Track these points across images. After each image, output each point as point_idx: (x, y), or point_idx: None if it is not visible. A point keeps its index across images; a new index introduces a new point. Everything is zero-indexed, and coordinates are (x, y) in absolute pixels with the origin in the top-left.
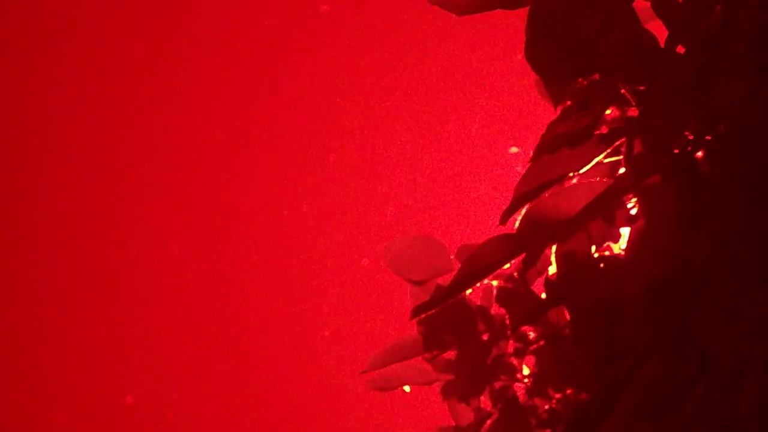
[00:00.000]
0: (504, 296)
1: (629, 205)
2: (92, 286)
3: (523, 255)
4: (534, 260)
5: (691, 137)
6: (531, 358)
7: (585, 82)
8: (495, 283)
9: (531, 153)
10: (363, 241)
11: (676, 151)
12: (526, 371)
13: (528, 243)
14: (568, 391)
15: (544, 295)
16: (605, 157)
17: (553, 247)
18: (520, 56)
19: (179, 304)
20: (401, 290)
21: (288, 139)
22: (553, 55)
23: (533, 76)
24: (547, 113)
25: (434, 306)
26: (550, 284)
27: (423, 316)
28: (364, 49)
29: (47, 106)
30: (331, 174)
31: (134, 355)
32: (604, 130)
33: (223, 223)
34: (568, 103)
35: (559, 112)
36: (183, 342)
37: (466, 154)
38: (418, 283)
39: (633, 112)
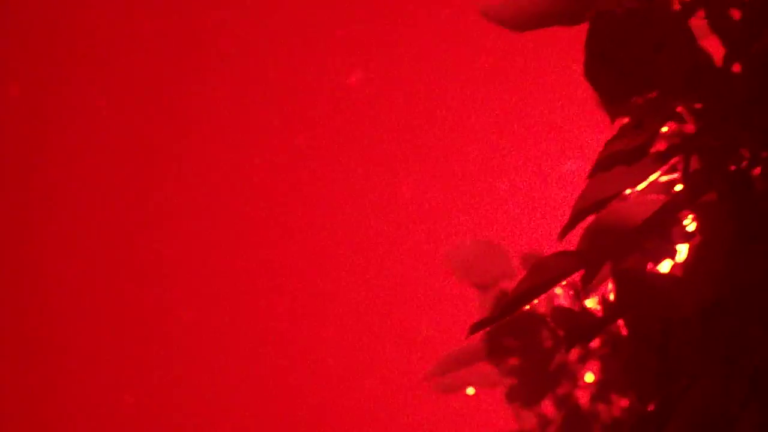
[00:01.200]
0: (559, 315)
1: (686, 222)
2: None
3: (582, 271)
4: (592, 277)
5: (747, 155)
6: (594, 364)
7: (642, 100)
8: (559, 291)
9: (587, 168)
10: (424, 246)
11: (733, 168)
12: (590, 378)
13: (587, 259)
14: (632, 399)
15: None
16: (661, 175)
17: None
18: (578, 69)
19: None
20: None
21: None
22: (611, 73)
23: (592, 90)
24: (605, 127)
25: (499, 318)
26: (606, 301)
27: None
28: (413, 55)
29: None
30: (392, 188)
31: (137, 353)
32: (660, 147)
33: (230, 221)
34: (626, 120)
35: (616, 129)
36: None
37: (523, 164)
38: (482, 288)
39: (689, 129)
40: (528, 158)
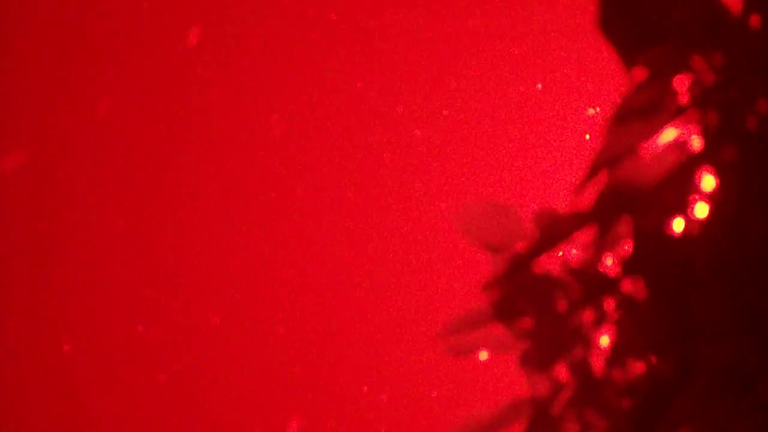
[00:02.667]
0: (576, 270)
1: (704, 179)
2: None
3: (596, 227)
4: (605, 233)
5: (766, 107)
6: (609, 328)
7: (658, 52)
8: (574, 251)
9: (601, 123)
10: (434, 207)
11: (752, 121)
12: (605, 341)
13: (602, 216)
14: (648, 362)
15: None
16: (678, 128)
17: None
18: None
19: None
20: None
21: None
22: (627, 25)
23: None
24: (620, 80)
25: (512, 275)
26: (624, 258)
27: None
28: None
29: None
30: (404, 146)
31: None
32: (677, 100)
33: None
34: (641, 72)
35: (631, 81)
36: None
37: (540, 117)
38: (494, 249)
39: (706, 82)
40: (541, 113)
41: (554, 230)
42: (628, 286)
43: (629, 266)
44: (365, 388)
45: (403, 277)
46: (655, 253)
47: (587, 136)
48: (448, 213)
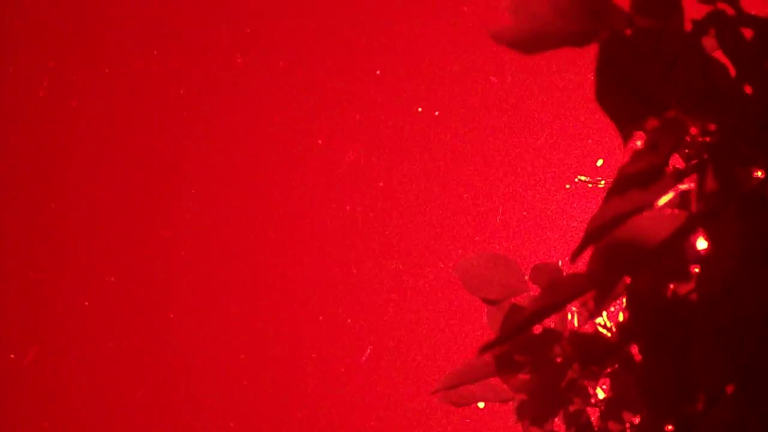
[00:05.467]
0: (573, 339)
1: (698, 242)
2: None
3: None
4: (605, 298)
5: (761, 175)
6: (606, 381)
7: (656, 122)
8: (573, 309)
9: (597, 181)
10: (435, 258)
11: (746, 187)
12: (601, 395)
13: (601, 280)
14: (643, 415)
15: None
16: (676, 193)
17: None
18: (589, 88)
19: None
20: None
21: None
22: (623, 96)
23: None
24: (616, 142)
25: (510, 338)
26: (621, 324)
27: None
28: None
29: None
30: (402, 189)
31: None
32: (676, 165)
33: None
34: (639, 139)
35: (628, 144)
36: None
37: (532, 178)
38: (493, 303)
39: (704, 150)
40: (538, 172)
41: (557, 294)
42: (626, 347)
43: (628, 328)
44: None
45: (399, 326)
46: (653, 315)
47: (567, 186)
48: (446, 265)
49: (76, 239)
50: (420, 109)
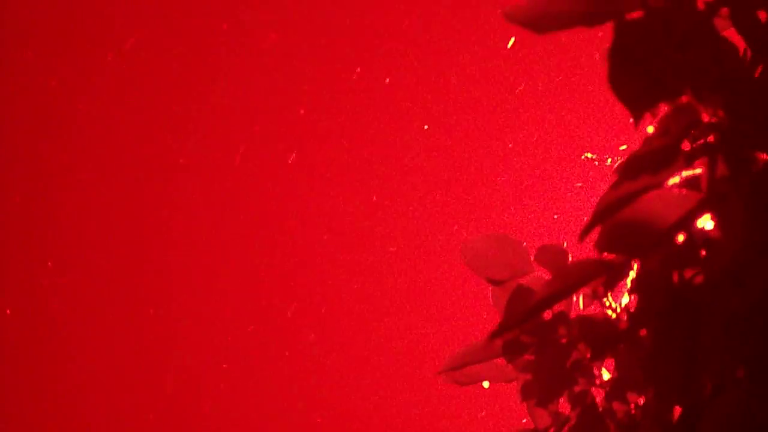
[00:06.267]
0: (581, 325)
1: (706, 226)
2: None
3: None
4: (615, 283)
5: None
6: (611, 361)
7: (667, 106)
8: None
9: (605, 158)
10: (442, 240)
11: (756, 171)
12: (606, 375)
13: (611, 265)
14: (648, 396)
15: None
16: (685, 177)
17: (633, 270)
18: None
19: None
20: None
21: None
22: (636, 79)
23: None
24: (626, 123)
25: (518, 324)
26: (628, 307)
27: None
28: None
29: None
30: (407, 170)
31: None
32: (686, 148)
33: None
34: (650, 128)
35: (638, 125)
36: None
37: (539, 158)
38: (498, 283)
39: (714, 133)
40: (545, 152)
41: (566, 279)
42: (634, 332)
43: (636, 311)
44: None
45: (406, 308)
46: (661, 298)
47: (587, 155)
48: (454, 249)
49: (76, 239)
50: (426, 127)
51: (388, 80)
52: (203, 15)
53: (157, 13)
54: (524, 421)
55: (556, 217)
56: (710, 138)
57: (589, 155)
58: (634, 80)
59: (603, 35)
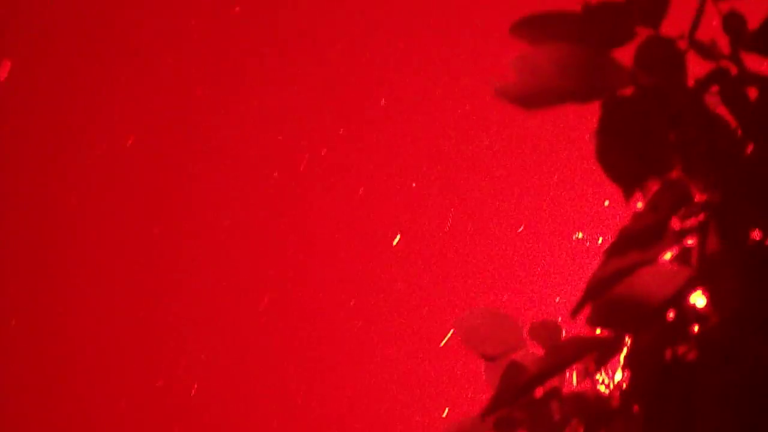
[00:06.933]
0: (574, 401)
1: (698, 302)
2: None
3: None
4: (607, 359)
5: (762, 233)
6: None
7: (657, 181)
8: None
9: (596, 238)
10: (434, 314)
11: (748, 246)
12: None
13: (603, 342)
14: None
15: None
16: (676, 252)
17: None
18: (586, 139)
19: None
20: None
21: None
22: (625, 155)
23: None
24: (617, 198)
25: (511, 401)
26: (621, 384)
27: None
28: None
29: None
30: (403, 253)
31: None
32: (676, 226)
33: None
34: (639, 204)
35: (630, 210)
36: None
37: (533, 233)
38: (491, 359)
39: (705, 208)
40: (538, 227)
41: (559, 356)
42: (627, 408)
43: (629, 388)
44: None
45: (399, 380)
46: (654, 374)
47: (557, 299)
48: (448, 323)
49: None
50: (414, 184)
51: (383, 101)
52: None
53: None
54: None
55: (558, 299)
56: (699, 214)
57: (580, 235)
58: (624, 156)
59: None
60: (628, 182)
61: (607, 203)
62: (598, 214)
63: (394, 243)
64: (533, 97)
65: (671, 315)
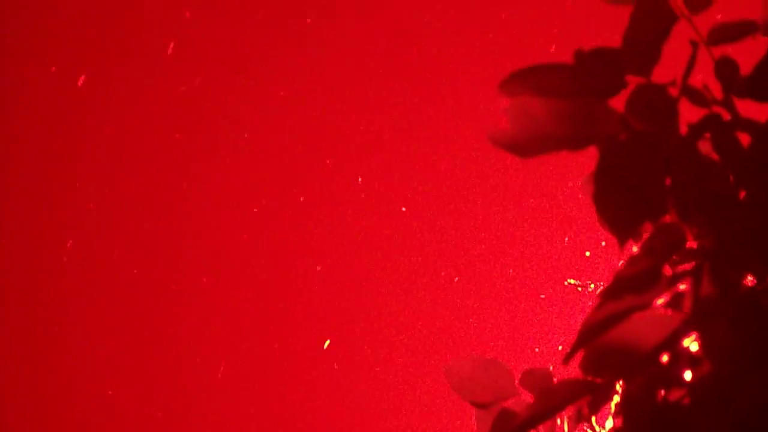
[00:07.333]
0: None
1: (692, 347)
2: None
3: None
4: (600, 405)
5: (755, 280)
6: None
7: (651, 227)
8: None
9: (587, 283)
10: (426, 361)
11: (742, 292)
12: None
13: (595, 386)
14: None
15: None
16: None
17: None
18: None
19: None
20: None
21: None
22: (621, 202)
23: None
24: (609, 245)
25: None
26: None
27: None
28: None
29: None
30: (396, 303)
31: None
32: (668, 271)
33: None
34: (634, 248)
35: (624, 255)
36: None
37: (524, 281)
38: (482, 406)
39: (699, 254)
40: (530, 274)
41: (550, 401)
42: None
43: None
44: None
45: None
46: (647, 421)
47: (570, 281)
48: (439, 371)
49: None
50: (403, 209)
51: (361, 179)
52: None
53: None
54: None
55: (537, 350)
56: (693, 259)
57: (572, 281)
58: (619, 201)
59: (584, 161)
60: (623, 226)
61: (603, 243)
62: (590, 259)
63: (325, 346)
64: (527, 145)
65: (664, 360)
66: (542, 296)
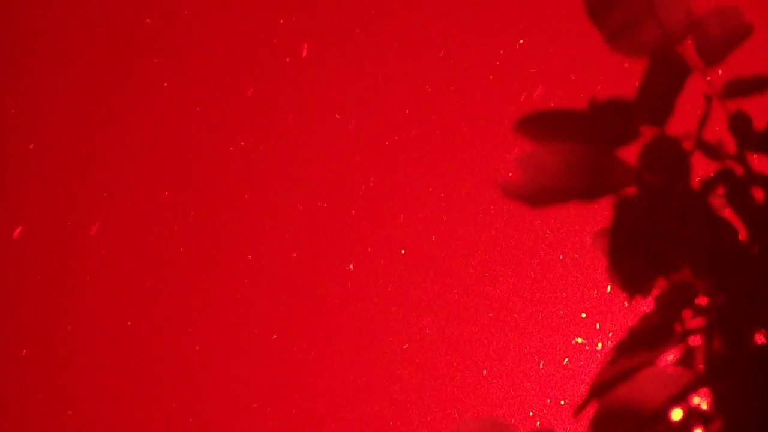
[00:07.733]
0: None
1: (701, 404)
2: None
3: None
4: None
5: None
6: None
7: (664, 282)
8: None
9: (595, 343)
10: (431, 422)
11: (754, 349)
12: None
13: None
14: None
15: None
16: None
17: None
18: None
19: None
20: None
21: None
22: (635, 257)
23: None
24: (617, 303)
25: None
26: None
27: None
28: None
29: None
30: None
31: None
32: (679, 327)
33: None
34: (641, 297)
35: (628, 303)
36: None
37: (532, 339)
38: None
39: (711, 310)
40: (538, 332)
41: None
42: None
43: None
44: None
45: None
46: None
47: (578, 340)
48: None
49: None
50: (403, 251)
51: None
52: None
53: None
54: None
55: (529, 414)
56: (704, 314)
57: (580, 340)
58: (633, 257)
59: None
60: (636, 281)
61: (609, 289)
62: (598, 317)
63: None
64: (537, 195)
65: (675, 416)
66: (542, 364)
